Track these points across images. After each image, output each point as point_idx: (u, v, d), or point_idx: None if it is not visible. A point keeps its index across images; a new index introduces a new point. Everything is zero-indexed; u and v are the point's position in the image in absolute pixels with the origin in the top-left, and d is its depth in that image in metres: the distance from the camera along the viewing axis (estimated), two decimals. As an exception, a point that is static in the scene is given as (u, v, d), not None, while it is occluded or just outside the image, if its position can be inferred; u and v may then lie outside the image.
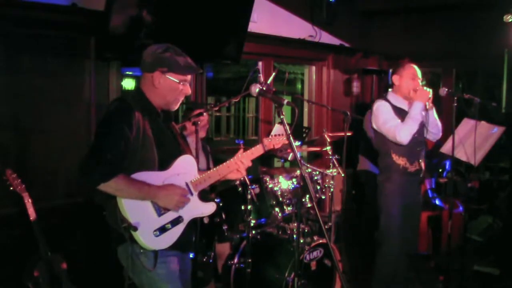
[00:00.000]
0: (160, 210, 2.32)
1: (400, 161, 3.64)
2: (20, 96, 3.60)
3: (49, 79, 3.72)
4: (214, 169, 2.55)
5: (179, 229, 2.38)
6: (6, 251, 3.46)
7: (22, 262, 3.27)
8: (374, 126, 3.73)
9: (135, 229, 2.21)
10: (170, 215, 2.35)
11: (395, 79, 3.72)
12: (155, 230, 2.29)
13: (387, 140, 3.65)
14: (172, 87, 2.38)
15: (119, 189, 2.21)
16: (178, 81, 2.37)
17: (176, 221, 2.36)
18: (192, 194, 2.44)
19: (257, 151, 2.67)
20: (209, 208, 2.54)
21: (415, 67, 3.71)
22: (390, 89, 3.79)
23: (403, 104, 3.71)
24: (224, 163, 2.58)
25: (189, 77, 2.42)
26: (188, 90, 2.43)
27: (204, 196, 2.58)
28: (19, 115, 3.61)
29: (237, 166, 2.59)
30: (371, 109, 3.78)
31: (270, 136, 2.74)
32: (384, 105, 3.67)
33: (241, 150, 2.65)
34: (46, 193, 3.68)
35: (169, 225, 2.34)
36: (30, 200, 3.17)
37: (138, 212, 2.25)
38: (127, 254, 2.31)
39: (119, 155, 2.22)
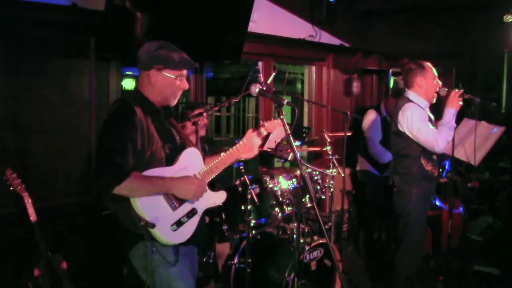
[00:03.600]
0: (174, 204, 2.32)
1: (428, 166, 3.62)
2: (20, 96, 3.60)
3: (49, 79, 3.72)
4: (219, 158, 2.55)
5: (194, 221, 2.40)
6: (6, 251, 3.46)
7: (22, 262, 3.27)
8: (406, 132, 3.59)
9: (153, 226, 2.21)
10: (185, 208, 2.36)
11: (420, 81, 3.61)
12: (172, 225, 2.30)
13: (416, 145, 3.58)
14: (169, 83, 2.40)
15: (134, 189, 2.20)
16: (174, 77, 2.39)
17: (191, 214, 2.38)
18: None
19: (259, 134, 2.68)
20: (220, 197, 2.56)
21: (433, 68, 3.66)
22: (408, 90, 3.67)
23: (426, 107, 3.67)
24: (227, 152, 2.58)
25: (185, 71, 2.43)
26: (186, 85, 2.44)
27: (212, 186, 2.58)
28: (19, 115, 3.61)
29: (240, 152, 2.60)
30: (402, 111, 3.60)
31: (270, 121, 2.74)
32: (419, 111, 3.57)
33: (241, 143, 2.65)
34: (46, 193, 3.68)
35: (185, 218, 2.35)
36: (30, 200, 3.16)
37: (153, 209, 2.25)
38: (143, 253, 2.29)
39: (127, 156, 2.22)
